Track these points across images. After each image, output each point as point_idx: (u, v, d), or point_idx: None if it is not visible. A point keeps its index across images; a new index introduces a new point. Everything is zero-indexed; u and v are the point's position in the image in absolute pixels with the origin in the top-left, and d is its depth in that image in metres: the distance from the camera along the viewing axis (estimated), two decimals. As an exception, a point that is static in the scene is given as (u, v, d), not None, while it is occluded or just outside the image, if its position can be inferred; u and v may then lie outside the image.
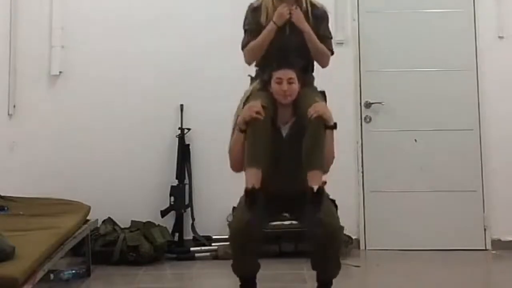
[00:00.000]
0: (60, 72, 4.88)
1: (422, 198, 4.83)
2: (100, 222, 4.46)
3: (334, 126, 2.92)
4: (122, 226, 4.57)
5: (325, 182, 2.81)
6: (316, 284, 3.09)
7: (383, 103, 4.89)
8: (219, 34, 4.71)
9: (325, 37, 3.20)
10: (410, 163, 4.86)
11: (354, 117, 4.90)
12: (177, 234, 4.67)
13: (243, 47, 3.19)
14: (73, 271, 3.97)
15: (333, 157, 2.99)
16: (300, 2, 3.14)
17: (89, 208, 4.18)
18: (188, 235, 4.70)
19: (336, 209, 3.11)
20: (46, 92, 4.90)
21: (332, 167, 2.99)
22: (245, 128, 2.89)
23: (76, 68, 4.89)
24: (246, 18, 3.23)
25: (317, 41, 3.13)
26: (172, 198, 4.70)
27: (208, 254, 4.57)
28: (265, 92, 3.03)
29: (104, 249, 4.34)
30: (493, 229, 4.80)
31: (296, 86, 2.99)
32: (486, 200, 4.82)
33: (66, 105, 4.87)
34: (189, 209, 4.73)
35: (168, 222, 4.68)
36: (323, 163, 2.88)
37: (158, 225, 4.61)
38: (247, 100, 3.05)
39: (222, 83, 4.70)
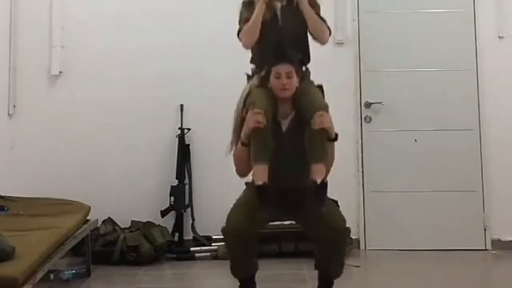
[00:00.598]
0: (60, 72, 4.88)
1: (422, 198, 4.82)
2: (100, 222, 4.46)
3: (335, 138, 2.94)
4: (122, 226, 4.57)
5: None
6: (317, 284, 3.10)
7: (383, 103, 4.89)
8: (220, 34, 4.70)
9: (321, 18, 3.20)
10: (410, 163, 4.86)
11: (354, 117, 4.89)
12: (177, 234, 4.67)
13: (238, 33, 3.18)
14: (73, 271, 3.96)
15: (333, 159, 3.00)
16: None
17: (89, 208, 4.18)
18: (188, 235, 4.70)
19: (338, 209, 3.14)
20: (46, 92, 4.89)
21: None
22: (248, 141, 2.89)
23: (75, 68, 4.89)
24: (241, 13, 3.22)
25: (316, 16, 3.14)
26: (172, 198, 4.69)
27: (208, 254, 4.56)
28: (264, 88, 3.03)
29: (104, 249, 4.34)
30: (493, 229, 4.80)
31: (294, 80, 2.99)
32: (486, 200, 4.82)
33: (66, 105, 4.86)
34: (189, 209, 4.73)
35: (168, 222, 4.68)
36: (326, 156, 2.88)
37: (158, 225, 4.61)
38: (246, 97, 3.05)
39: (222, 83, 4.68)
